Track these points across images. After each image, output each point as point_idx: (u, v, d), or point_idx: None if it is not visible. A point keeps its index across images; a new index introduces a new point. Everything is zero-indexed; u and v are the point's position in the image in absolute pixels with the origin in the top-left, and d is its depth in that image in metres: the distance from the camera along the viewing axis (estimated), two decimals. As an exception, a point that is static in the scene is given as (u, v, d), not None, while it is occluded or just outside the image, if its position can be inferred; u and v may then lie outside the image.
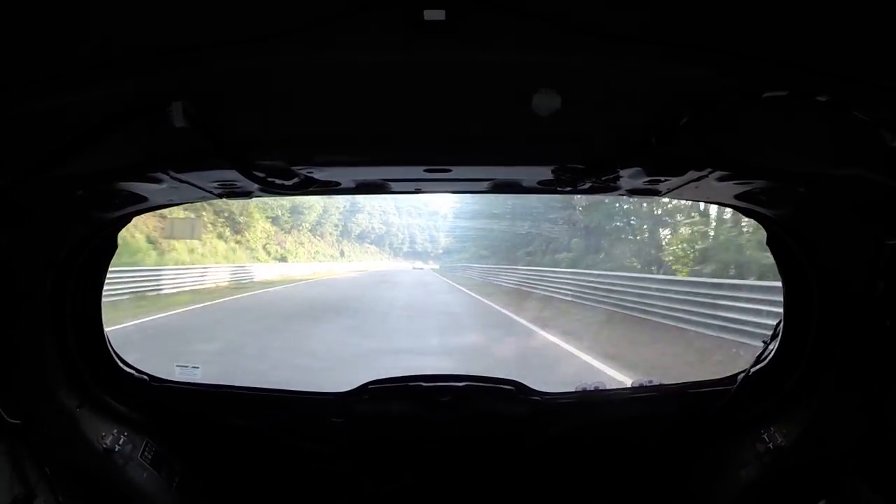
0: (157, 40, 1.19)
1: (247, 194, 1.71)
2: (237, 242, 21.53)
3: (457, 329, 10.31)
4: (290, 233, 25.74)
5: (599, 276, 12.04)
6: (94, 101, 1.24)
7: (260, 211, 22.80)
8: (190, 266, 17.23)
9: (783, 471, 1.96)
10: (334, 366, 7.25)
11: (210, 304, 13.95)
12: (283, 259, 24.06)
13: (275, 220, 24.58)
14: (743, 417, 2.13)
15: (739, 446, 2.10)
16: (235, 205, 19.82)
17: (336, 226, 30.82)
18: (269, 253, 23.55)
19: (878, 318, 1.65)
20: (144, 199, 1.71)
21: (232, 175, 1.45)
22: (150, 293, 13.81)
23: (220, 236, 19.98)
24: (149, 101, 1.23)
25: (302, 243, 26.83)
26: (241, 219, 21.92)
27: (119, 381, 2.17)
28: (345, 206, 30.71)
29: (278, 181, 1.49)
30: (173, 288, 15.22)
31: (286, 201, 24.02)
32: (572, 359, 7.63)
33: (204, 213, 18.65)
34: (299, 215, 26.30)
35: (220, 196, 1.74)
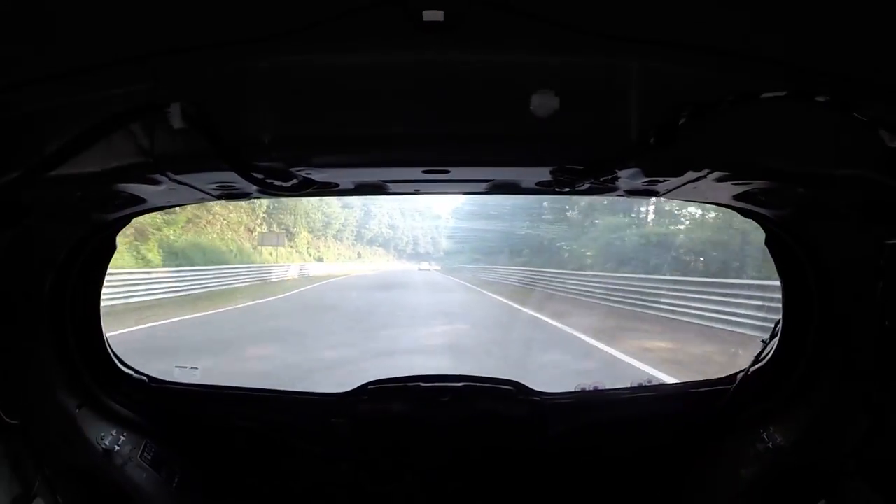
0: (157, 41, 1.19)
1: (245, 195, 1.67)
2: (290, 247, 28.68)
3: (449, 292, 21.40)
4: (320, 239, 33.21)
5: (540, 272, 20.84)
6: (94, 102, 1.23)
7: (302, 224, 29.91)
8: (274, 264, 24.70)
9: (783, 471, 1.93)
10: (401, 300, 17.25)
11: (315, 286, 22.34)
12: (320, 259, 31.60)
13: (311, 230, 32.06)
14: (742, 417, 2.10)
15: (739, 446, 2.06)
16: (289, 217, 27.90)
17: (353, 232, 37.88)
18: (310, 255, 31.07)
19: (877, 318, 1.61)
20: (143, 200, 1.67)
21: (230, 176, 1.41)
22: (267, 281, 21.43)
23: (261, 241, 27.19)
24: (148, 102, 1.21)
25: (329, 247, 34.12)
26: (294, 229, 28.76)
27: (118, 381, 2.14)
28: (360, 214, 38.37)
29: (276, 182, 1.45)
30: (276, 278, 22.70)
31: (320, 214, 31.83)
32: (492, 297, 18.93)
33: (274, 226, 26.84)
34: (328, 225, 33.83)
35: (218, 197, 1.68)
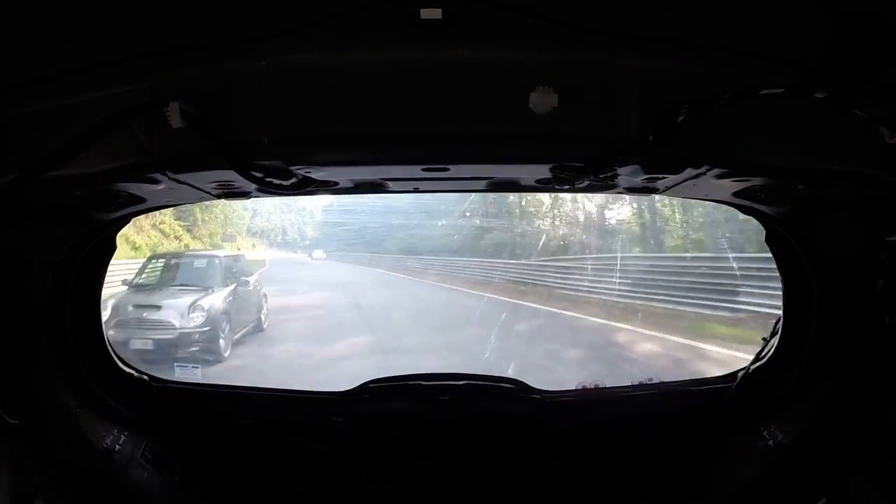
0: (156, 40, 1.20)
1: (245, 195, 1.67)
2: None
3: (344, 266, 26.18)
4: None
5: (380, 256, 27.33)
6: (94, 101, 1.24)
7: (231, 225, 35.41)
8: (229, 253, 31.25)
9: (784, 468, 1.93)
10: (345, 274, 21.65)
11: (271, 263, 28.07)
12: (238, 249, 37.95)
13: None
14: (743, 415, 2.09)
15: (740, 444, 2.06)
16: (227, 222, 32.10)
17: (245, 228, 43.06)
18: (234, 247, 37.07)
19: (877, 314, 1.61)
20: (143, 199, 1.67)
21: (230, 175, 1.40)
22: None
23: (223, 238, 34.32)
24: (148, 101, 1.22)
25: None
26: (229, 230, 35.04)
27: (119, 381, 2.13)
28: (251, 213, 43.78)
29: (276, 181, 1.45)
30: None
31: (236, 218, 36.65)
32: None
33: (230, 229, 32.22)
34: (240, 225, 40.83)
35: (217, 196, 1.68)
